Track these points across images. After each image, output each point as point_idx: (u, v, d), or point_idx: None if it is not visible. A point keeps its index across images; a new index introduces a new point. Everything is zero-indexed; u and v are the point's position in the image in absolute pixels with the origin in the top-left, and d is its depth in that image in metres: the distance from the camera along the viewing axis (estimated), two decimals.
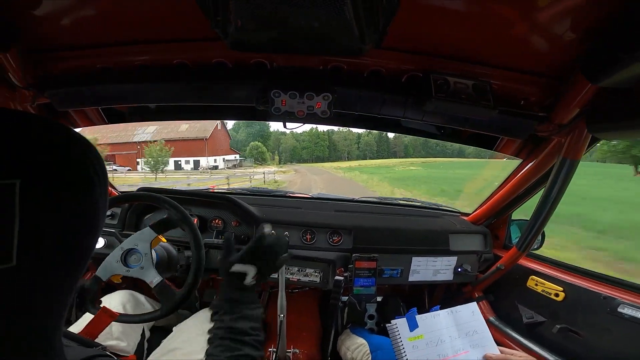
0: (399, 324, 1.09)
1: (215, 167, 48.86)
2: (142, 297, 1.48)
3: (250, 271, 0.85)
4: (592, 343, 1.24)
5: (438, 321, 1.11)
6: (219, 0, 0.72)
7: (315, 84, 1.10)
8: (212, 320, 0.81)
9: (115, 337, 1.26)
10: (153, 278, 1.12)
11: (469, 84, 1.01)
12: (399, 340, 1.06)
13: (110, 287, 1.65)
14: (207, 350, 0.74)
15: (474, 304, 1.16)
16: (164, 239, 1.20)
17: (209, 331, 0.78)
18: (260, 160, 70.38)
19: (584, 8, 0.76)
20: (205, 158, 49.70)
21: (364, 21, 0.78)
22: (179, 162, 48.33)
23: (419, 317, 1.10)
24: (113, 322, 1.11)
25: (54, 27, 0.92)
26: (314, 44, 0.95)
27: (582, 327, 1.28)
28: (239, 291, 0.84)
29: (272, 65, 1.10)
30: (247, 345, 0.74)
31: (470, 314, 1.14)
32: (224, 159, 54.61)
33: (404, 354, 1.03)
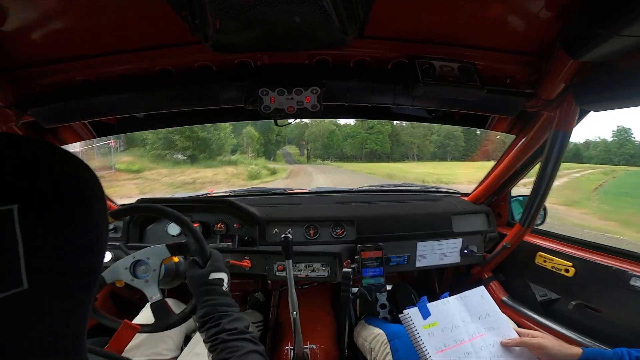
0: (412, 314, 1.08)
1: None
2: (182, 305, 1.49)
3: (225, 277, 0.94)
4: (609, 318, 1.24)
5: (449, 307, 1.11)
6: (195, 4, 0.72)
7: (302, 78, 1.09)
8: (203, 329, 0.82)
9: (159, 337, 1.28)
10: (153, 294, 1.11)
11: (454, 66, 1.02)
12: (414, 329, 1.06)
13: (114, 296, 1.67)
14: (211, 358, 0.76)
15: (482, 287, 1.16)
16: (176, 259, 1.19)
17: (206, 340, 0.80)
18: (186, 158, 28.90)
19: None
20: None
21: (344, 12, 0.78)
22: None
23: (430, 305, 1.10)
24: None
25: (28, 43, 0.91)
26: (296, 39, 0.95)
27: (597, 303, 1.27)
28: (224, 296, 0.89)
29: (257, 64, 1.10)
30: (249, 342, 0.77)
31: (480, 297, 1.14)
32: None
33: (421, 342, 1.03)
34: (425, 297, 1.12)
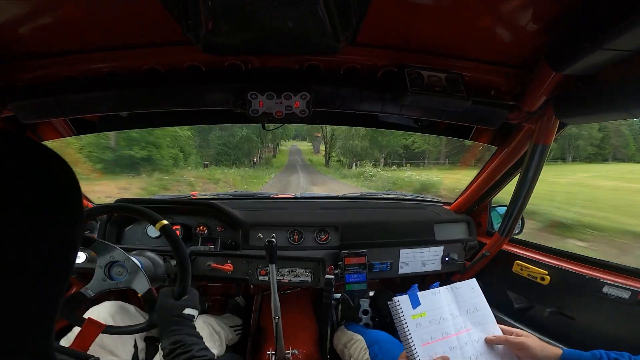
0: (402, 301, 1.05)
1: None
2: (131, 308, 1.44)
3: (196, 314, 1.02)
4: (583, 325, 1.28)
5: (439, 298, 1.09)
6: (189, 4, 0.71)
7: (292, 83, 1.10)
8: (171, 356, 0.85)
9: (109, 349, 1.22)
10: (142, 287, 1.10)
11: (441, 76, 1.04)
12: (402, 318, 1.03)
13: (96, 299, 1.60)
14: None
15: (473, 280, 1.15)
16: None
17: None
18: None
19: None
20: None
21: (337, 19, 0.79)
22: None
23: (421, 294, 1.07)
24: (105, 335, 1.09)
25: (12, 36, 0.88)
26: (288, 44, 0.95)
27: (571, 310, 1.32)
28: (193, 329, 0.96)
29: (248, 66, 1.09)
30: None
31: (470, 290, 1.13)
32: None
33: (408, 333, 1.00)
34: (416, 284, 1.10)
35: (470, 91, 1.05)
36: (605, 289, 1.19)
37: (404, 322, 1.02)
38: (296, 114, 1.15)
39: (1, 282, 0.32)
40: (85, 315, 1.24)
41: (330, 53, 1.02)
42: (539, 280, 1.45)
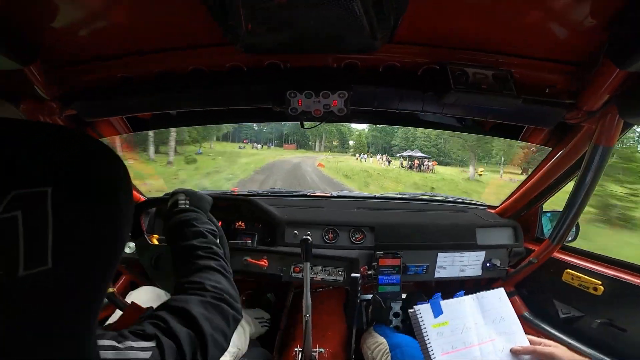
0: (423, 310, 1.04)
1: None
2: (162, 294, 1.53)
3: (180, 196, 0.92)
4: (635, 337, 1.18)
5: (463, 307, 1.06)
6: (229, 7, 0.73)
7: (330, 82, 1.09)
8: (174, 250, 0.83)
9: None
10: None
11: (488, 74, 0.98)
12: (422, 327, 1.01)
13: (133, 285, 1.73)
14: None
15: (501, 289, 1.11)
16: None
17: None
18: None
19: None
20: None
21: (375, 18, 0.77)
22: None
23: (444, 303, 1.05)
24: None
25: (74, 41, 0.96)
26: (325, 43, 0.95)
27: (624, 322, 1.22)
28: (180, 213, 0.88)
29: (287, 65, 1.11)
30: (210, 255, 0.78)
31: (497, 299, 1.08)
32: None
33: (428, 342, 0.99)
34: (439, 293, 1.08)
35: (521, 89, 0.98)
36: None
37: (424, 330, 1.01)
38: (334, 112, 1.15)
39: (52, 268, 0.35)
40: (127, 300, 1.35)
41: (368, 52, 1.00)
42: (591, 290, 1.34)
